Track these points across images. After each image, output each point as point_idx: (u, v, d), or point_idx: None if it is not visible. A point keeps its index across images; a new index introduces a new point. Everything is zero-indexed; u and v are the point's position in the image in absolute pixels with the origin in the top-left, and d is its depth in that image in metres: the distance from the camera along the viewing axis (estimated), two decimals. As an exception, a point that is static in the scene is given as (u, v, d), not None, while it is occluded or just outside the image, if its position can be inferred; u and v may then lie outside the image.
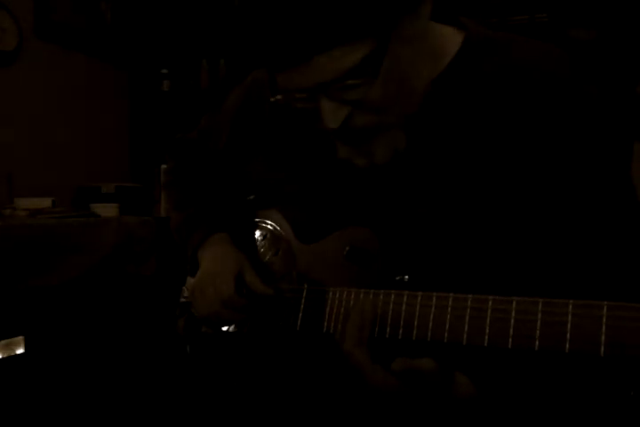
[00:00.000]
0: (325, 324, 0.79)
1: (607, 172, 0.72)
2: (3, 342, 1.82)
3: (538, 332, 0.58)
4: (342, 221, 0.82)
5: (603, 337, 0.54)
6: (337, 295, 0.78)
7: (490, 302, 0.62)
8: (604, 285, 0.69)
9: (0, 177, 2.34)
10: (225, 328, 0.96)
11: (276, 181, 0.91)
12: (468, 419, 0.69)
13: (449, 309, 0.65)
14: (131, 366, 2.19)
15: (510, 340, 0.60)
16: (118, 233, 2.24)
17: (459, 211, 0.75)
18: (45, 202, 2.30)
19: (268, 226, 0.93)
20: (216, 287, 0.90)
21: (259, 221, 0.95)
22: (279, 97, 0.71)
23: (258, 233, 0.95)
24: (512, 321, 0.60)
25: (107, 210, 2.47)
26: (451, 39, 0.78)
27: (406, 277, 0.75)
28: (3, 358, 1.82)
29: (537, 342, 0.58)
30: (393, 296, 0.71)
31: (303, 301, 0.83)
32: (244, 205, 0.98)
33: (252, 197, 0.98)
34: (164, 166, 2.83)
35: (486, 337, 0.62)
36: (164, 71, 3.08)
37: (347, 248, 0.79)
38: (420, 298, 0.69)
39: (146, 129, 3.15)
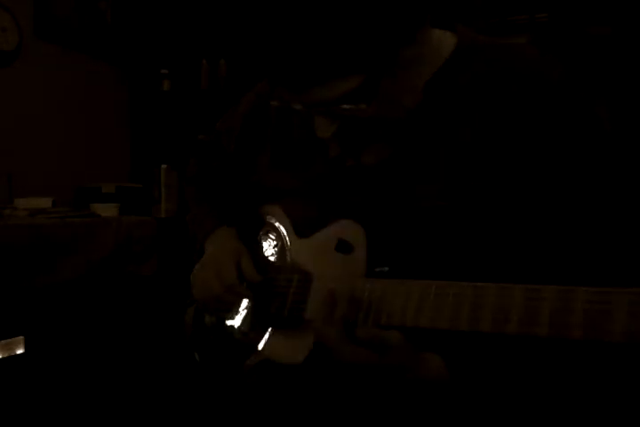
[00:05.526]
0: (308, 313, 0.83)
1: (600, 170, 0.72)
2: (3, 342, 1.82)
3: (515, 317, 0.59)
4: (334, 216, 0.85)
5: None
6: (320, 284, 0.83)
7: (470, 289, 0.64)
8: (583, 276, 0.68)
9: (0, 177, 2.34)
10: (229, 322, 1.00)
11: (280, 179, 0.98)
12: (433, 403, 0.72)
13: (431, 296, 0.67)
14: (131, 366, 2.20)
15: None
16: (118, 233, 2.25)
17: (441, 206, 0.76)
18: (45, 202, 2.30)
19: (271, 221, 0.99)
20: (219, 273, 0.96)
21: (264, 217, 1.01)
22: (275, 103, 0.79)
23: (262, 228, 1.01)
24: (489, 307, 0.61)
25: (107, 210, 2.47)
26: (445, 43, 0.80)
27: (386, 268, 0.77)
28: (3, 358, 1.82)
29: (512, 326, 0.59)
30: (369, 284, 0.74)
31: (292, 290, 0.88)
32: (251, 202, 1.05)
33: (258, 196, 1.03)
34: (164, 166, 2.85)
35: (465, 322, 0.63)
36: (164, 71, 3.08)
37: (336, 241, 0.82)
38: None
39: (146, 129, 3.14)
